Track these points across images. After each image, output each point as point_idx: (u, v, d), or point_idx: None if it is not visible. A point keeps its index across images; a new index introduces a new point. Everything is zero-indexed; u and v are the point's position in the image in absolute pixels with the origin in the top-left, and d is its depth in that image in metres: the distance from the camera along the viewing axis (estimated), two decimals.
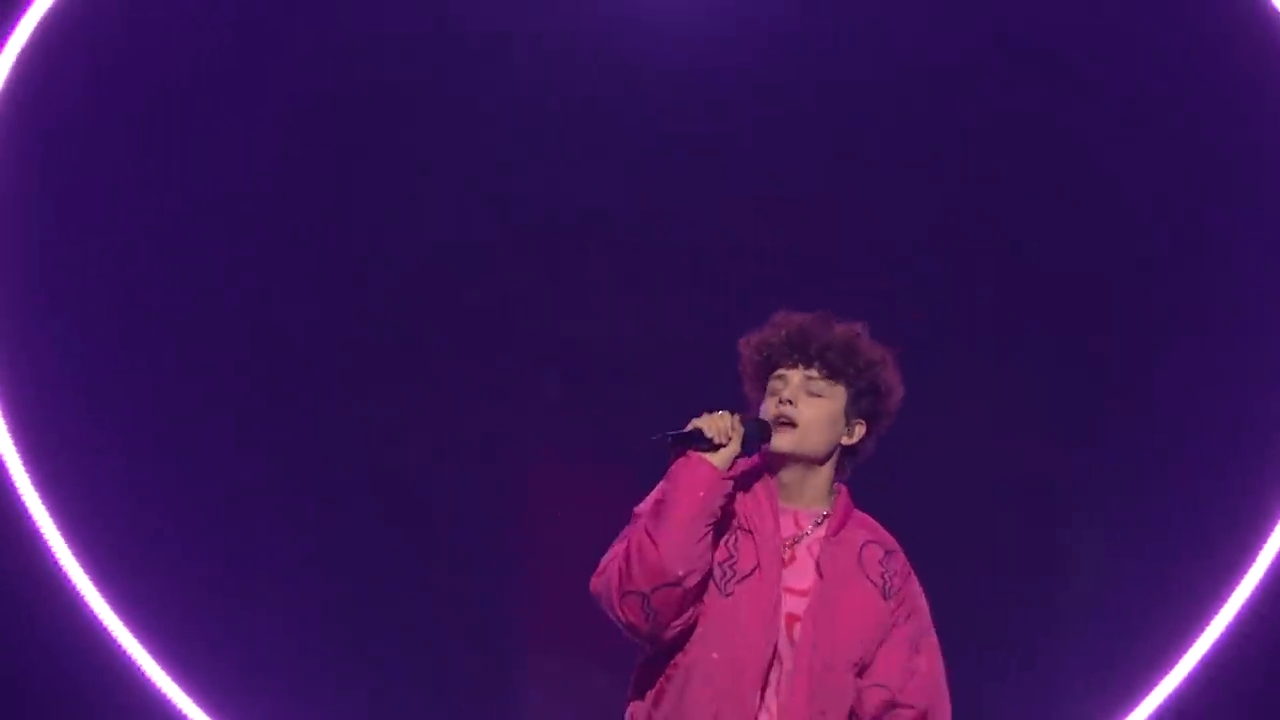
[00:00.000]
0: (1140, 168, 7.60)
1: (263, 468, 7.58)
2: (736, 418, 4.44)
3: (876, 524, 4.68)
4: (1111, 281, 7.67)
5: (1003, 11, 7.64)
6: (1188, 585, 7.52)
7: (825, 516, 4.57)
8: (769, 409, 4.53)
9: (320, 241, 7.68)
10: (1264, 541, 7.53)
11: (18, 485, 7.44)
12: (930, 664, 4.65)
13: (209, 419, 7.57)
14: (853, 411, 4.54)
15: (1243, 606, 7.51)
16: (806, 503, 4.54)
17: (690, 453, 4.44)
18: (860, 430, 4.55)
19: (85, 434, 7.49)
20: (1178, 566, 7.56)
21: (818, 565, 4.53)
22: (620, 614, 4.43)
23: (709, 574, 4.43)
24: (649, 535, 4.39)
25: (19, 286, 7.48)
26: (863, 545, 4.58)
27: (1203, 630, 7.54)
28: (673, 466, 4.44)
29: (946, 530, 7.14)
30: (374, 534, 7.58)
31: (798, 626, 4.50)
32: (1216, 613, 7.54)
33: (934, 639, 4.66)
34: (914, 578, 4.64)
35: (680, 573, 4.37)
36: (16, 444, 7.43)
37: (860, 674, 4.55)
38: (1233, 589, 7.54)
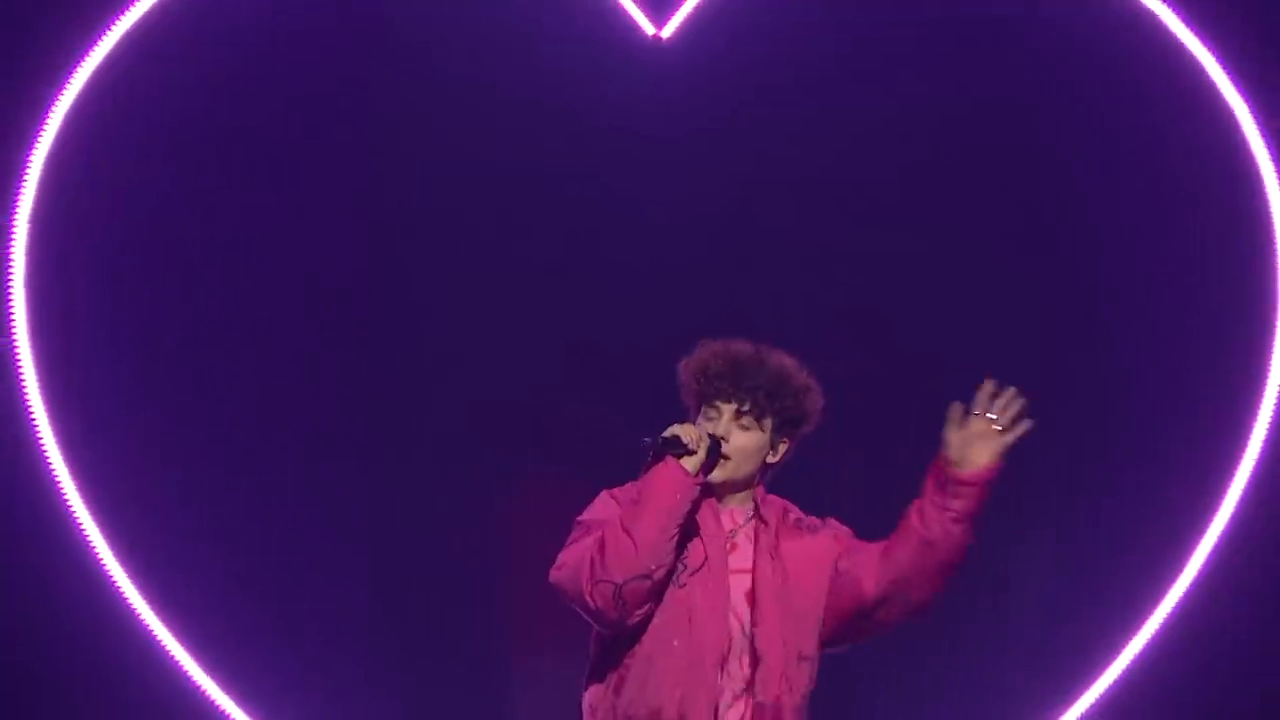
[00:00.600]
0: (1083, 186, 7.80)
1: (300, 467, 7.64)
2: (704, 430, 4.75)
3: (785, 500, 4.99)
4: (1050, 292, 7.82)
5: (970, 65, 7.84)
6: (1125, 583, 7.65)
7: (755, 510, 4.87)
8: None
9: (353, 256, 7.74)
10: (1197, 542, 7.69)
11: (64, 490, 7.48)
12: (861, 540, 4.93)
13: (248, 420, 7.63)
14: (778, 437, 4.85)
15: (1177, 605, 7.65)
16: (737, 503, 4.86)
17: (668, 458, 4.67)
18: (783, 447, 4.88)
19: (128, 436, 7.53)
20: (1114, 565, 7.68)
21: (769, 549, 4.83)
22: (590, 601, 4.65)
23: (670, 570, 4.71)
24: (625, 531, 4.65)
25: (66, 294, 7.57)
26: (782, 515, 4.91)
27: (1139, 628, 7.65)
28: (652, 470, 4.69)
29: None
30: (414, 532, 7.64)
31: (752, 594, 4.80)
32: (1152, 611, 7.67)
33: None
34: (825, 519, 4.99)
35: (652, 567, 4.63)
36: (61, 446, 7.48)
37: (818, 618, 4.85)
38: (1167, 589, 7.67)
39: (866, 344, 7.76)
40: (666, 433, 4.73)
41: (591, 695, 4.83)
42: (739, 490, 4.86)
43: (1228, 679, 7.64)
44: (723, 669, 4.72)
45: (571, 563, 4.76)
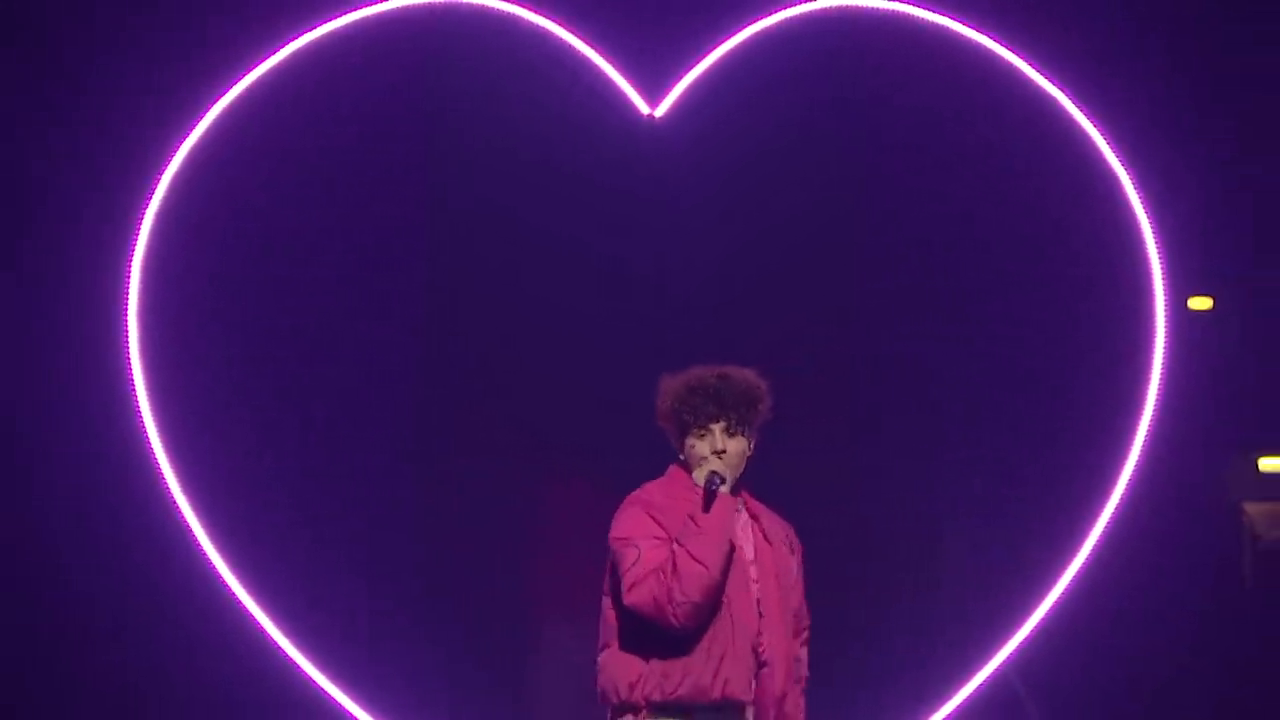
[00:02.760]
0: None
1: (397, 471, 8.00)
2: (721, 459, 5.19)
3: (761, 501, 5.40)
4: (954, 303, 8.24)
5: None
6: (1038, 550, 7.94)
7: (740, 505, 5.28)
8: (704, 452, 5.21)
9: (408, 302, 8.09)
10: (1089, 530, 7.97)
11: (172, 490, 7.79)
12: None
13: (353, 427, 7.97)
14: (754, 437, 5.32)
15: (1082, 565, 7.93)
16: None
17: (719, 492, 5.09)
18: (754, 441, 5.33)
19: (233, 439, 7.86)
20: (1011, 552, 8.02)
21: (764, 536, 5.27)
22: (674, 620, 4.99)
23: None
24: (695, 559, 4.99)
25: (174, 310, 7.91)
26: (765, 518, 5.35)
27: (1050, 588, 7.90)
28: (714, 504, 5.07)
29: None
30: (457, 524, 7.92)
31: (757, 587, 5.19)
32: (1061, 574, 7.93)
33: None
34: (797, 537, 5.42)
35: (720, 579, 5.07)
36: (167, 450, 7.78)
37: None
38: (1073, 555, 7.94)
39: (836, 367, 8.21)
40: (708, 471, 5.14)
41: (629, 673, 5.11)
42: (734, 490, 5.28)
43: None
44: (755, 650, 5.16)
45: (647, 591, 5.01)
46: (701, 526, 5.03)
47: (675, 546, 5.02)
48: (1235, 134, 8.34)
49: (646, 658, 5.07)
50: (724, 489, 5.10)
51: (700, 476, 5.11)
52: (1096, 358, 8.14)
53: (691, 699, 5.05)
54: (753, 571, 5.19)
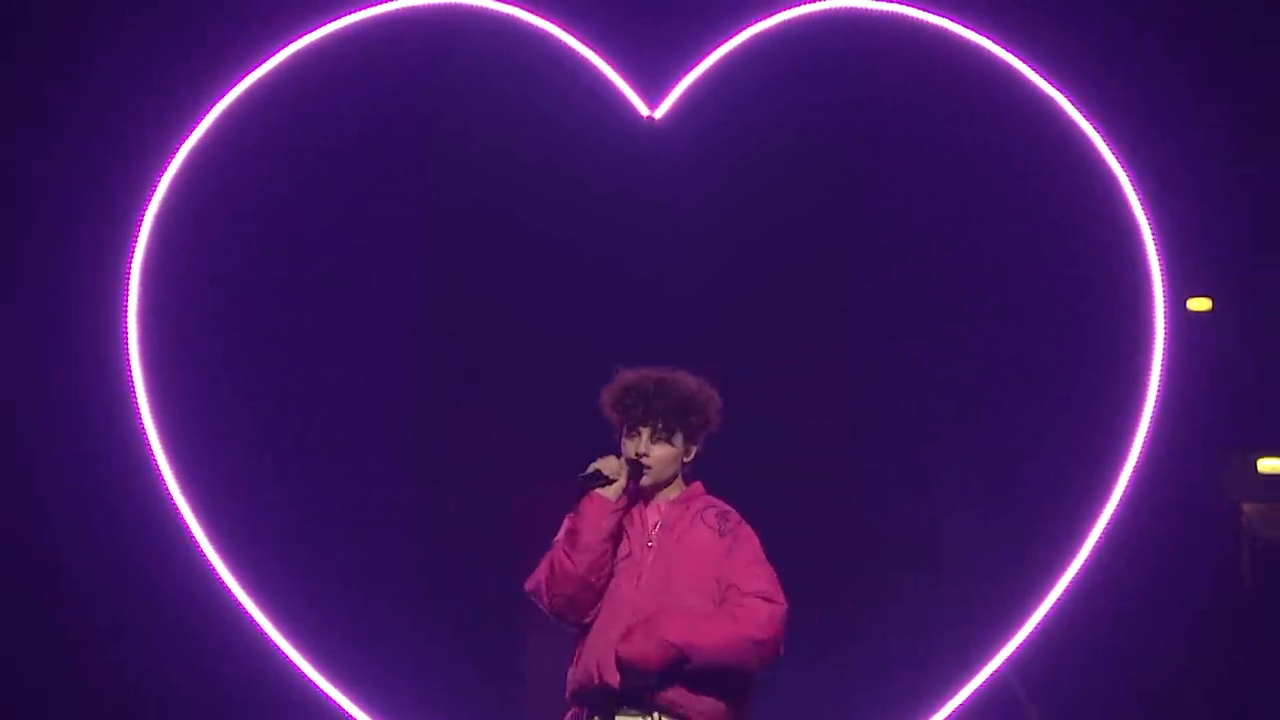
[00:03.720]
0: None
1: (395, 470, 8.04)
2: (623, 459, 5.24)
3: (721, 501, 5.41)
4: (976, 321, 8.27)
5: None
6: (1039, 549, 7.94)
7: (678, 503, 5.36)
8: (628, 452, 5.29)
9: (407, 303, 8.15)
10: (1085, 536, 7.97)
11: (171, 491, 7.81)
12: (759, 568, 5.25)
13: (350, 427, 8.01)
14: (688, 443, 5.36)
15: (1081, 568, 7.93)
16: (665, 497, 5.37)
17: (593, 492, 5.16)
18: (694, 449, 5.38)
19: (232, 439, 7.90)
20: (1026, 537, 8.03)
21: (664, 524, 5.31)
22: (551, 609, 5.21)
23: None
24: (568, 555, 5.15)
25: (177, 307, 7.95)
26: (701, 510, 5.36)
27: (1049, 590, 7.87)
28: (581, 503, 5.18)
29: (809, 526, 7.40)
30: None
31: (650, 568, 5.24)
32: (1060, 574, 7.92)
33: (760, 554, 5.29)
34: (745, 525, 5.35)
35: (593, 580, 5.19)
36: (167, 450, 7.81)
37: (708, 587, 5.18)
38: (1073, 554, 7.94)
39: (835, 367, 8.22)
40: (589, 469, 5.22)
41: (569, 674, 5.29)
42: (665, 487, 5.38)
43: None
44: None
45: (533, 580, 5.25)
46: (571, 524, 5.17)
47: (554, 542, 5.22)
48: (1234, 134, 8.38)
49: (572, 654, 5.29)
50: (606, 491, 5.17)
51: (587, 471, 5.20)
52: (1096, 358, 8.17)
53: (582, 688, 5.20)
54: (647, 559, 5.26)
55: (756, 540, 5.35)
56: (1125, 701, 8.00)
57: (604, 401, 5.36)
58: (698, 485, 5.44)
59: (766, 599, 5.17)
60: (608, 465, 5.22)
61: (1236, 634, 8.16)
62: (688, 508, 5.36)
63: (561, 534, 5.24)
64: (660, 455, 5.31)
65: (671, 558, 5.26)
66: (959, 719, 7.92)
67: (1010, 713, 7.95)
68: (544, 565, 5.24)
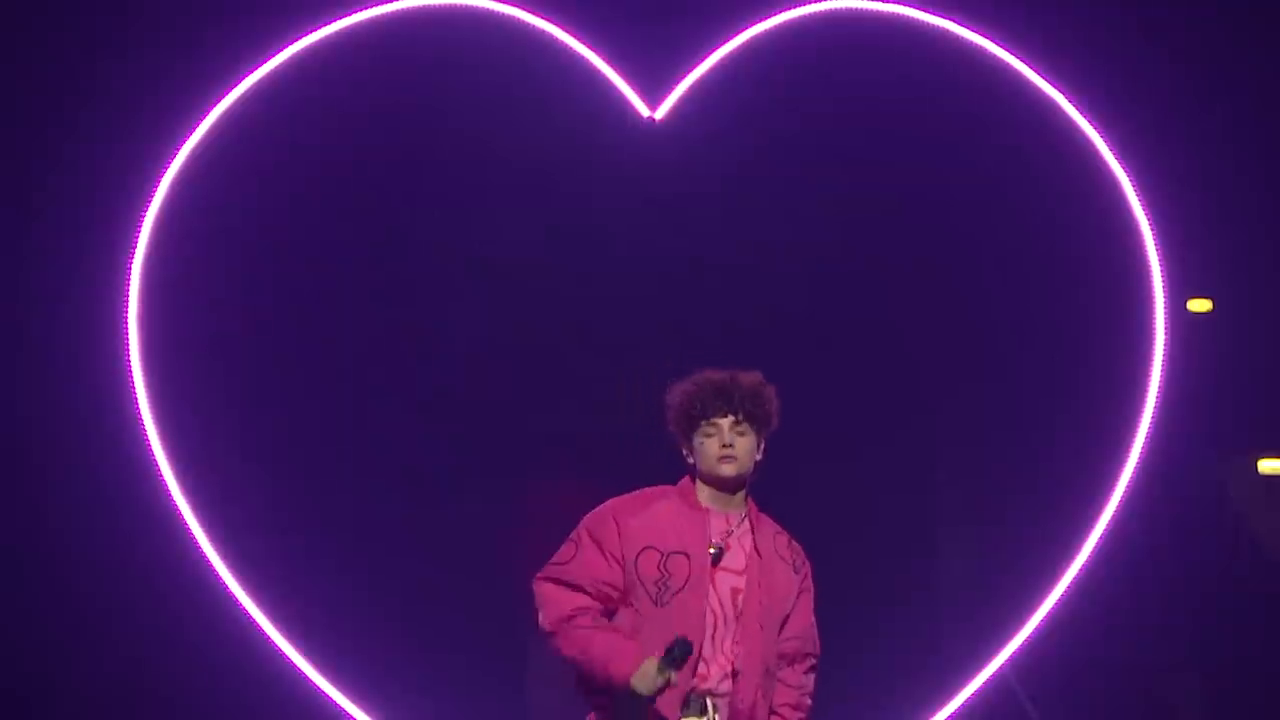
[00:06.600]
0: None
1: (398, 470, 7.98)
2: (660, 661, 5.00)
3: (775, 520, 5.40)
4: (976, 327, 8.28)
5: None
6: (1033, 557, 7.93)
7: (744, 516, 5.28)
8: (711, 449, 5.22)
9: (405, 305, 8.11)
10: (1083, 541, 7.97)
11: (171, 491, 7.76)
12: (814, 621, 5.36)
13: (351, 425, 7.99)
14: (761, 437, 5.31)
15: (1081, 568, 7.92)
16: (733, 508, 5.27)
17: (669, 675, 4.99)
18: (763, 445, 5.32)
19: (232, 439, 7.83)
20: (1022, 542, 8.00)
21: (755, 548, 5.22)
22: (548, 642, 5.18)
23: (642, 591, 5.12)
24: (601, 657, 5.04)
25: (177, 307, 7.90)
26: (774, 534, 5.32)
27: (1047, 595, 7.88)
28: (646, 671, 5.00)
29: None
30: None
31: (741, 596, 5.15)
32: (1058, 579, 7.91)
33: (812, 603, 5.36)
34: (807, 560, 5.40)
35: (584, 683, 5.16)
36: (167, 450, 7.76)
37: (780, 629, 5.23)
38: (1073, 556, 7.95)
39: (835, 368, 8.18)
40: (685, 650, 5.01)
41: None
42: (736, 496, 5.29)
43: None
44: (694, 670, 5.12)
45: (550, 601, 5.16)
46: (632, 666, 5.05)
47: (608, 623, 5.13)
48: (1235, 135, 8.39)
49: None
50: (673, 676, 5.03)
51: (673, 655, 5.03)
52: (1096, 359, 8.16)
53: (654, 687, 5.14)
54: (724, 580, 5.19)
55: (811, 581, 5.39)
56: (1125, 702, 8.03)
57: (673, 408, 5.31)
58: (752, 500, 5.38)
59: (814, 667, 5.34)
60: (644, 683, 5.06)
61: (1236, 634, 8.17)
62: (760, 528, 5.31)
63: (588, 656, 5.14)
64: (744, 446, 5.24)
65: (767, 592, 5.20)
66: (959, 719, 7.92)
67: (1010, 714, 7.96)
68: (568, 610, 5.16)
